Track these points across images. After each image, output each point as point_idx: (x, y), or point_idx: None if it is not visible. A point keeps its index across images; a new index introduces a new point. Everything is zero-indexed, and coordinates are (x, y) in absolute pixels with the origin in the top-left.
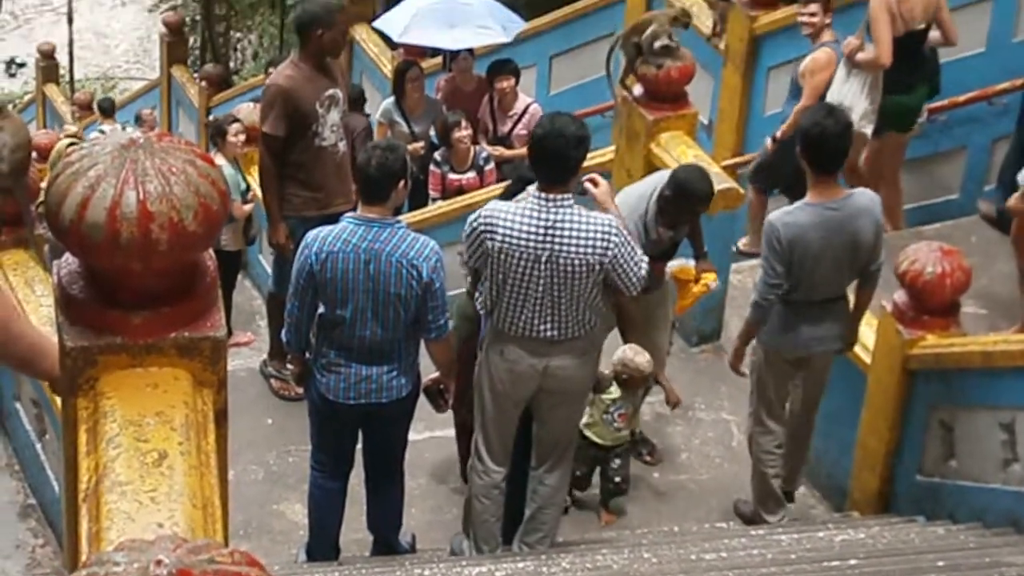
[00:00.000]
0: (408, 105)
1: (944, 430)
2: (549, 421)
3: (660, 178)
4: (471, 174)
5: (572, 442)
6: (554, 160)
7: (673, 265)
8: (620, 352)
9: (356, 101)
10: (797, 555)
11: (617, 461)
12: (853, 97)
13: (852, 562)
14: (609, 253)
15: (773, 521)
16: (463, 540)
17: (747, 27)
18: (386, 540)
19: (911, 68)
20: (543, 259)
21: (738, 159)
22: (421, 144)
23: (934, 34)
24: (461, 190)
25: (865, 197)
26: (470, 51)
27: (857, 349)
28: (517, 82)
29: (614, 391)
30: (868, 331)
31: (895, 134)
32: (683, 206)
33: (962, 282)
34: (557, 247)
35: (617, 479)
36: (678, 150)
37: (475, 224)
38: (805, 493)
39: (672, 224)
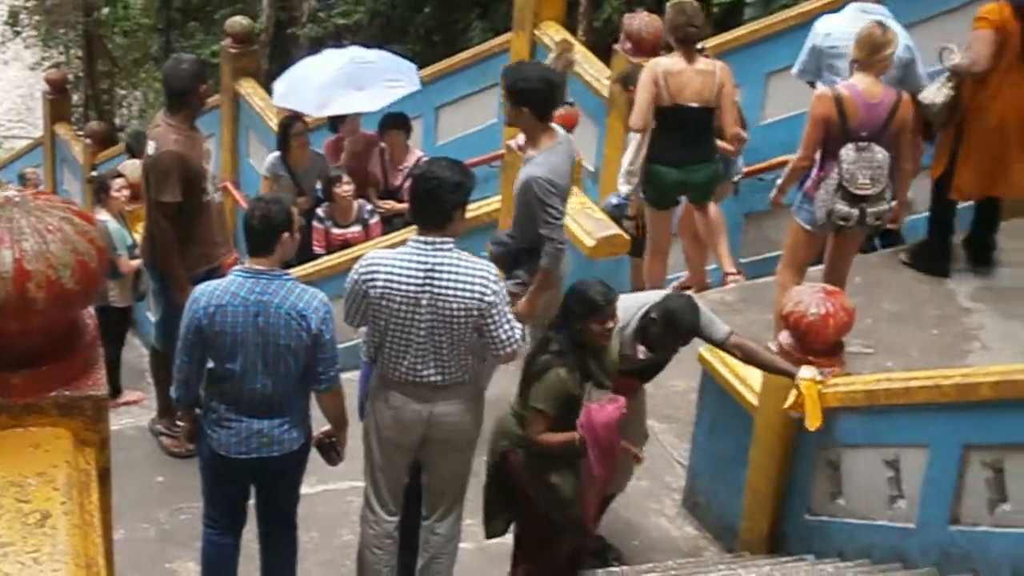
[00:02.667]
0: (293, 159)
1: (831, 469)
2: (438, 469)
3: (652, 297)
4: (356, 228)
5: (463, 490)
6: (430, 203)
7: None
8: None
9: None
10: None
11: None
12: (624, 157)
13: None
14: (487, 299)
15: None
16: None
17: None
18: None
19: (678, 142)
20: (423, 303)
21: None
22: (306, 198)
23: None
24: (346, 244)
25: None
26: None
27: (743, 391)
28: (408, 135)
29: None
30: (755, 373)
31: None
32: (666, 334)
33: (845, 322)
34: (437, 290)
35: None
36: None
37: (355, 276)
38: (696, 535)
39: (650, 347)
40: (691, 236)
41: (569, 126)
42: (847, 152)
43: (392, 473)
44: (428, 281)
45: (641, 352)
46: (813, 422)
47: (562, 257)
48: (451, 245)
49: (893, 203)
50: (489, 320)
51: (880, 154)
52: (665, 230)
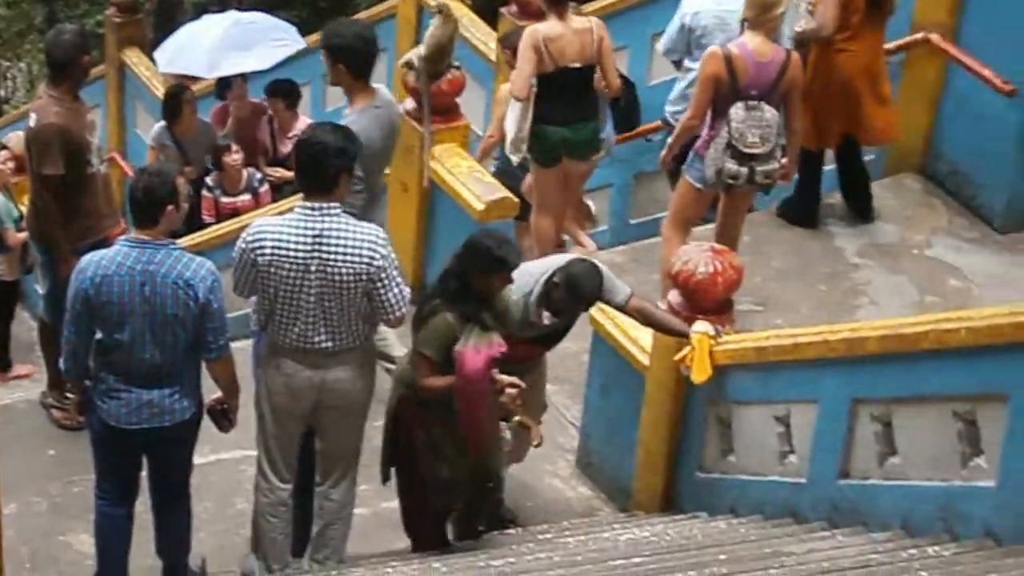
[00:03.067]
0: (180, 129)
1: (722, 426)
2: (331, 435)
3: (555, 262)
4: (245, 197)
5: (356, 455)
6: (314, 169)
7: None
8: None
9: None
10: (583, 556)
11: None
12: (509, 126)
13: (637, 560)
14: (376, 263)
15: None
16: (253, 561)
17: None
18: (176, 565)
19: (566, 103)
20: (312, 269)
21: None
22: (193, 168)
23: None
24: (236, 213)
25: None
26: (241, 75)
27: (635, 351)
28: (296, 103)
29: None
30: (645, 333)
31: (571, 162)
32: (569, 298)
33: (734, 280)
34: (325, 256)
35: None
36: (452, 162)
37: (243, 244)
38: (590, 495)
39: (554, 312)
40: None
41: (456, 90)
42: (736, 111)
43: (285, 440)
44: (316, 247)
45: (546, 318)
46: (699, 375)
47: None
48: (338, 210)
49: (783, 161)
50: (379, 284)
51: (769, 113)
52: (552, 188)
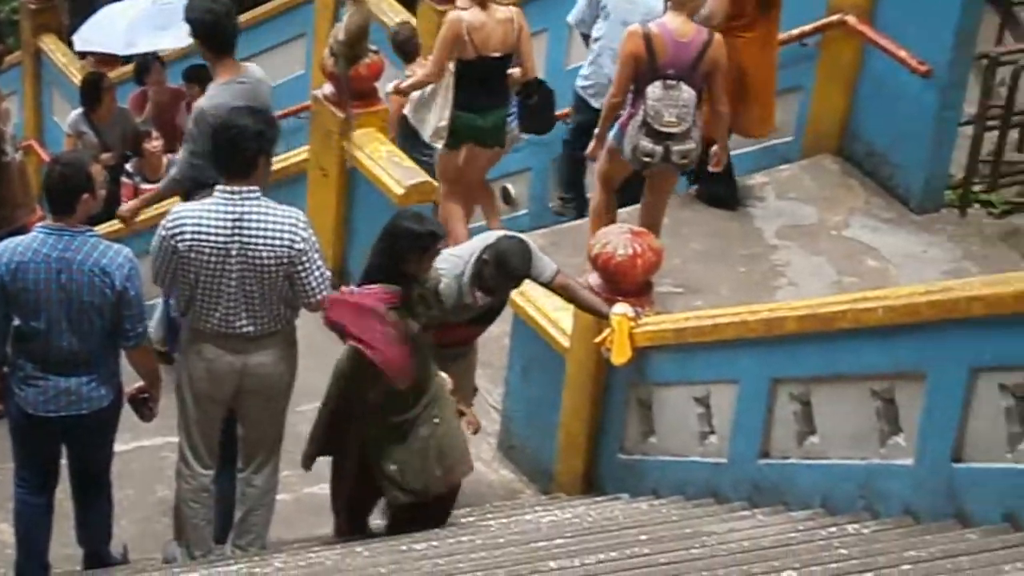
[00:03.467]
0: (98, 115)
1: (643, 408)
2: (253, 421)
3: (485, 241)
4: None
5: (279, 441)
6: (232, 152)
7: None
8: None
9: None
10: (505, 539)
11: None
12: (426, 115)
13: (559, 541)
14: (296, 247)
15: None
16: (175, 547)
17: (436, 21)
18: (97, 553)
19: (482, 91)
20: (233, 253)
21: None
22: (111, 154)
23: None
24: None
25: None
26: (159, 60)
27: (555, 333)
28: None
29: None
30: (565, 315)
31: (478, 148)
32: (499, 275)
33: (653, 262)
34: (246, 239)
35: None
36: (371, 147)
37: (162, 232)
38: (512, 478)
39: (486, 291)
40: None
41: (374, 75)
42: (654, 89)
43: (206, 426)
44: (237, 231)
45: (480, 298)
46: (619, 357)
47: (176, 188)
48: (258, 194)
49: (714, 149)
50: (300, 267)
51: (687, 93)
52: (457, 170)
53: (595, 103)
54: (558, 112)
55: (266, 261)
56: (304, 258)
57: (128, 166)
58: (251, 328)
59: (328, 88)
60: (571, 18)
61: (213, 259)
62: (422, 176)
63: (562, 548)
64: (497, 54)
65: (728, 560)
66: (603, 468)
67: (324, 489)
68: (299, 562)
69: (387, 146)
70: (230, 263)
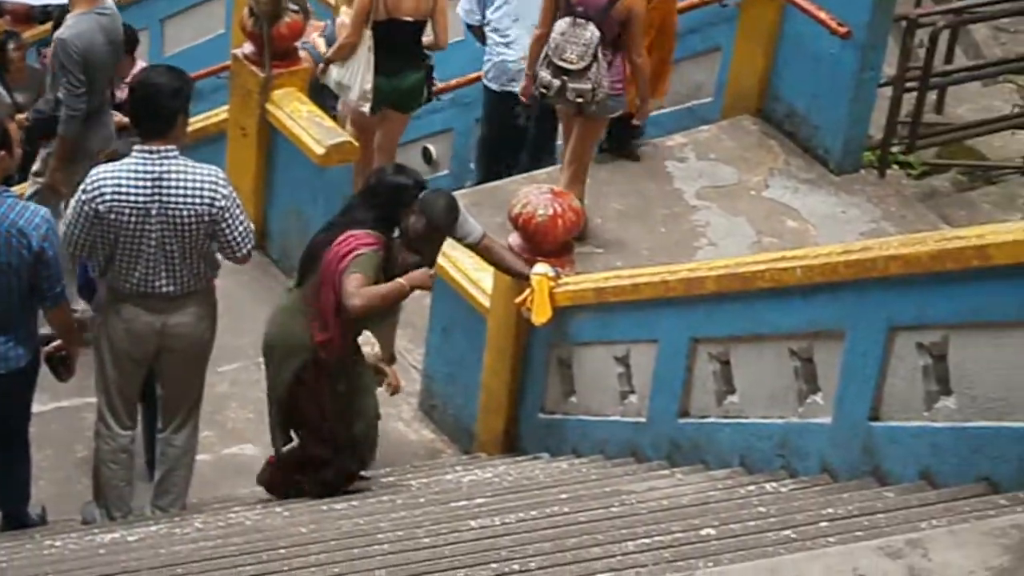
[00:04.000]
0: (10, 77)
1: (564, 368)
2: (173, 381)
3: None
4: None
5: (198, 401)
6: (150, 111)
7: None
8: None
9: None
10: (426, 498)
11: None
12: (351, 78)
13: (479, 500)
14: (218, 204)
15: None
16: (94, 508)
17: None
18: (15, 514)
19: (394, 54)
20: (153, 212)
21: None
22: (26, 115)
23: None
24: None
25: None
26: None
27: (476, 293)
28: (133, 48)
29: None
30: (486, 275)
31: (392, 112)
32: (426, 231)
33: (573, 222)
34: (166, 199)
35: None
36: (291, 106)
37: (82, 196)
38: (433, 438)
39: (414, 248)
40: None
41: (295, 34)
42: (560, 24)
43: (125, 387)
44: (157, 191)
45: (406, 256)
46: (539, 317)
47: (77, 125)
48: (176, 152)
49: (615, 90)
50: (223, 224)
51: (590, 33)
52: (371, 133)
53: (494, 85)
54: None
55: (187, 219)
56: (227, 214)
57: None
58: (171, 288)
59: (248, 47)
60: (459, 10)
61: (133, 220)
62: (343, 136)
63: (482, 507)
64: (409, 18)
65: (647, 518)
66: (524, 428)
67: (244, 450)
68: (219, 522)
69: (307, 105)
70: (150, 223)
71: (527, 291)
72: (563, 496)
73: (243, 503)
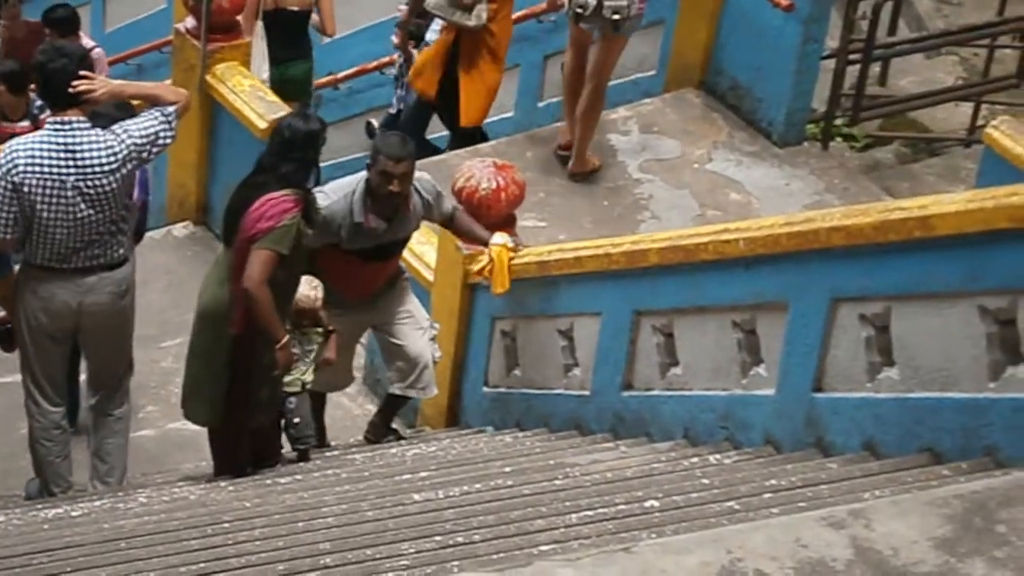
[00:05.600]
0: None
1: (508, 340)
2: (96, 354)
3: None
4: (25, 123)
5: (128, 370)
6: (59, 82)
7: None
8: None
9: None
10: (370, 472)
11: (292, 401)
12: (255, 70)
13: (423, 474)
14: (123, 150)
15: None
16: (36, 484)
17: None
18: None
19: (283, 44)
20: (69, 184)
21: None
22: None
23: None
24: (14, 137)
25: None
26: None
27: (419, 267)
28: (75, 30)
29: None
30: (430, 249)
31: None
32: (381, 175)
33: (517, 195)
34: (81, 167)
35: (295, 420)
36: (233, 80)
37: (0, 168)
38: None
39: (379, 207)
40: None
41: (236, 8)
42: None
43: (49, 363)
44: (71, 160)
45: (372, 220)
46: (498, 287)
47: None
48: (87, 123)
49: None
50: (144, 144)
51: None
52: None
53: None
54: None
55: (106, 185)
56: (136, 137)
57: None
58: (88, 263)
59: (190, 21)
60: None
61: (50, 191)
62: (285, 110)
63: (426, 480)
64: (294, 8)
65: (591, 491)
66: (468, 402)
67: (187, 425)
68: (163, 497)
69: (250, 80)
70: (66, 194)
71: (484, 260)
72: (507, 469)
73: (188, 479)
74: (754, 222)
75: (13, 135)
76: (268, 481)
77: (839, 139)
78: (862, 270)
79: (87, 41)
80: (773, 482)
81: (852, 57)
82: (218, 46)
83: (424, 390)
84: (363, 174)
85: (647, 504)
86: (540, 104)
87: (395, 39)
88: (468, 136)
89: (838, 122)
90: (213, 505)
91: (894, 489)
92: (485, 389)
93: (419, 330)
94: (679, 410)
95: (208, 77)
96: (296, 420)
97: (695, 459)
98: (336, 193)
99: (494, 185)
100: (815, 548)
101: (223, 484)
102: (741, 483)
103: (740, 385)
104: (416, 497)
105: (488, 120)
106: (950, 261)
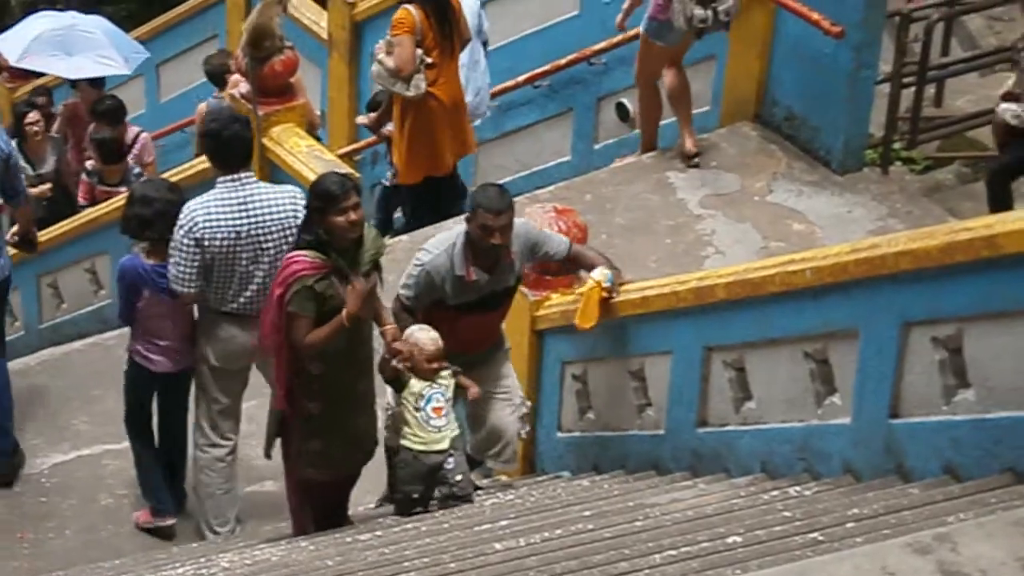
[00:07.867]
0: (30, 147)
1: (579, 384)
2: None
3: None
4: (122, 188)
5: None
6: (236, 146)
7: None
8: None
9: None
10: (449, 523)
11: (451, 461)
12: None
13: (503, 523)
14: (301, 211)
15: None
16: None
17: (347, 15)
18: None
19: None
20: (243, 233)
21: (352, 146)
22: (48, 186)
23: None
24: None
25: None
26: (94, 82)
27: None
28: (123, 118)
29: (414, 383)
30: None
31: None
32: (482, 227)
33: (580, 239)
34: (254, 218)
35: (458, 478)
36: (291, 142)
37: (182, 228)
38: None
39: (479, 261)
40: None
41: (288, 71)
42: None
43: (229, 395)
44: (245, 211)
45: (474, 272)
46: (582, 321)
47: None
48: (255, 177)
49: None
50: None
51: None
52: None
53: None
54: (569, 57)
55: (275, 234)
56: None
57: (88, 164)
58: (259, 306)
59: (244, 87)
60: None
61: (227, 242)
62: (344, 168)
63: (506, 529)
64: None
65: (673, 530)
66: (543, 448)
67: (264, 486)
68: (245, 560)
69: (306, 140)
70: (240, 243)
71: (581, 289)
72: (587, 513)
73: (267, 540)
74: (820, 251)
75: (108, 198)
76: (348, 539)
77: (898, 163)
78: (931, 293)
79: (133, 129)
80: (855, 511)
81: (906, 80)
82: (273, 109)
83: (506, 464)
84: (462, 227)
85: (730, 540)
86: (596, 147)
87: (363, 120)
88: (454, 191)
89: (896, 146)
90: (295, 566)
91: (978, 511)
92: (559, 434)
93: (511, 406)
94: (755, 444)
95: (265, 140)
96: (458, 478)
97: (775, 492)
98: (437, 248)
99: (556, 230)
100: (902, 575)
101: (303, 544)
102: (823, 514)
103: (816, 415)
104: (497, 546)
105: (544, 165)
106: (1019, 278)
